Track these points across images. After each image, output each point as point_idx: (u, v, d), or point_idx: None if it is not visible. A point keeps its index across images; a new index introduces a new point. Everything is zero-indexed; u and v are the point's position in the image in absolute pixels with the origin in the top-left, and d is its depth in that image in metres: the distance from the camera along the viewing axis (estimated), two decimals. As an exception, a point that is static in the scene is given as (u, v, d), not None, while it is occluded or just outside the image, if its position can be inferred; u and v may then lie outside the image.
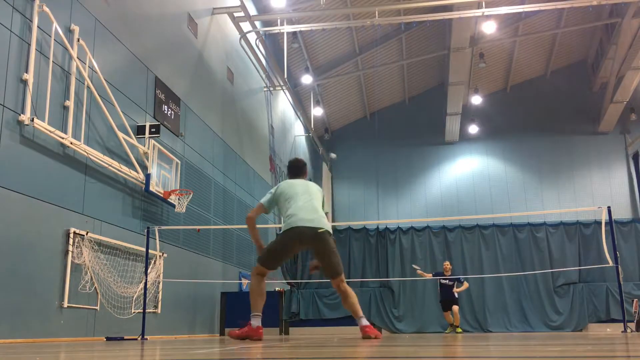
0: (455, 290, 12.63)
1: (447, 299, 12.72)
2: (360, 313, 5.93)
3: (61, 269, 8.38)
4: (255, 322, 5.56)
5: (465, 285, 12.80)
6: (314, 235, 5.63)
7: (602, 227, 9.58)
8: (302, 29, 19.29)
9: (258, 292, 5.71)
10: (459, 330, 12.60)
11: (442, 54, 23.83)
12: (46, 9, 8.20)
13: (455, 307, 12.57)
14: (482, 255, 14.00)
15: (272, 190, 6.14)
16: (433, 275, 13.05)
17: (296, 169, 6.27)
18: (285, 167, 22.04)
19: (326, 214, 5.99)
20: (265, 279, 5.86)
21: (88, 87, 9.16)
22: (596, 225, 13.28)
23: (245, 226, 16.48)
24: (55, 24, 8.40)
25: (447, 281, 12.73)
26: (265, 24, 18.83)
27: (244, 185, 16.83)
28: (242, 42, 17.41)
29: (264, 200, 6.14)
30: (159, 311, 11.13)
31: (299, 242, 5.74)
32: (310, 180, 6.88)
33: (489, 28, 19.83)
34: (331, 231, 5.83)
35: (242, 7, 15.80)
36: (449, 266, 12.89)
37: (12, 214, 7.51)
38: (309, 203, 5.80)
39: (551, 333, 11.87)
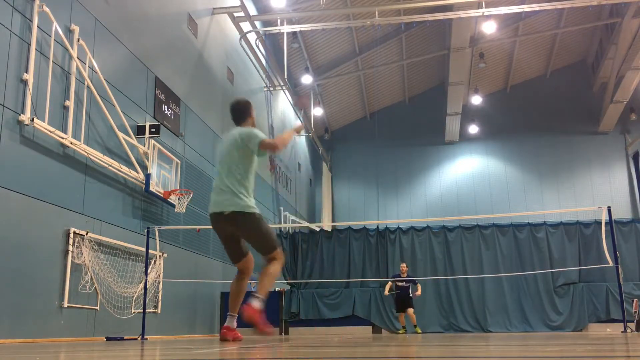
0: (416, 294, 12.61)
1: (402, 300, 12.68)
2: (259, 293, 4.79)
3: (61, 269, 8.38)
4: (229, 321, 5.04)
5: (419, 288, 12.69)
6: (224, 220, 4.90)
7: (602, 227, 9.59)
8: (302, 29, 19.29)
9: (231, 291, 5.16)
10: (419, 330, 12.60)
11: (442, 54, 23.84)
12: (46, 9, 8.20)
13: (410, 310, 12.60)
14: (482, 255, 13.99)
15: None
16: (392, 278, 13.09)
17: (232, 115, 5.35)
18: (285, 167, 22.05)
19: (261, 144, 4.93)
20: (243, 276, 5.19)
21: (88, 87, 9.16)
22: (596, 225, 13.27)
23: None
24: (55, 24, 8.40)
25: (403, 283, 12.75)
26: (265, 24, 18.83)
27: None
28: (242, 42, 17.41)
29: None
30: (159, 311, 11.13)
31: (221, 228, 5.00)
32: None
33: (489, 28, 19.83)
34: (247, 208, 4.89)
35: (242, 7, 15.80)
36: (405, 268, 12.95)
37: (12, 214, 7.51)
38: (220, 177, 4.98)
39: (551, 333, 11.87)
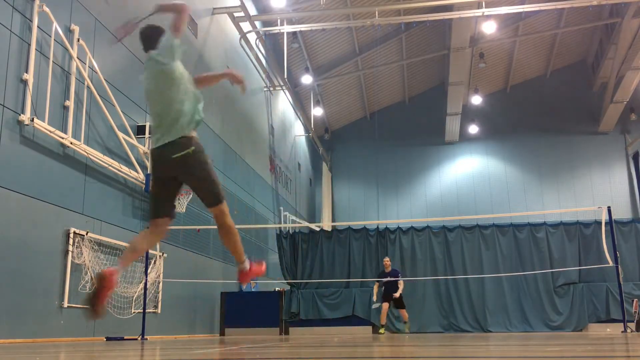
0: (394, 295, 11.96)
1: (390, 294, 11.98)
2: (243, 257, 4.22)
3: (61, 269, 8.38)
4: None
5: (401, 286, 12.03)
6: (168, 160, 4.12)
7: (602, 227, 9.59)
8: (302, 29, 19.29)
9: (130, 244, 4.13)
10: (407, 329, 12.22)
11: (442, 54, 23.83)
12: (46, 9, 8.20)
13: (403, 310, 12.06)
14: (482, 255, 13.99)
15: None
16: (378, 279, 12.37)
17: (142, 42, 4.69)
18: (285, 167, 22.05)
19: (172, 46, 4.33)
20: (153, 235, 4.17)
21: (88, 87, 9.16)
22: (596, 225, 13.26)
23: (246, 226, 16.41)
24: (55, 24, 8.40)
25: (388, 278, 12.11)
26: (265, 24, 18.82)
27: (244, 185, 16.83)
28: (242, 42, 17.40)
29: None
30: (159, 311, 11.13)
31: (163, 169, 4.17)
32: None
33: (489, 28, 19.83)
34: (191, 134, 4.27)
35: (242, 7, 15.80)
36: (388, 262, 12.30)
37: (12, 214, 7.51)
38: (155, 107, 4.27)
39: (551, 333, 11.88)
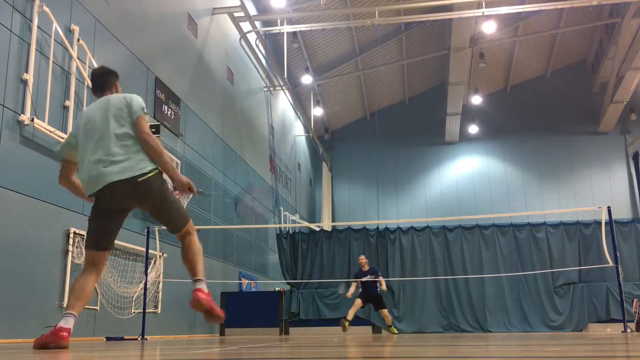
0: (382, 285, 11.39)
1: (369, 295, 11.46)
2: (199, 275, 4.15)
3: (61, 269, 8.38)
4: (67, 322, 3.86)
5: (383, 283, 11.47)
6: (130, 189, 3.97)
7: (602, 227, 9.59)
8: (302, 29, 19.30)
9: (73, 288, 4.04)
10: (394, 330, 11.78)
11: (442, 54, 23.84)
12: (46, 9, 8.20)
13: (384, 311, 11.58)
14: (482, 255, 13.99)
15: (72, 130, 4.40)
16: (356, 278, 11.74)
17: (94, 83, 4.40)
18: (285, 167, 22.05)
19: (137, 119, 4.07)
20: (94, 271, 4.10)
21: (88, 87, 9.16)
22: (596, 225, 13.26)
23: (244, 226, 16.44)
24: (55, 24, 8.40)
25: (368, 277, 11.52)
26: (265, 24, 18.83)
27: (244, 185, 16.84)
28: (242, 42, 17.41)
29: (58, 148, 4.37)
30: (159, 311, 11.13)
31: (117, 202, 4.04)
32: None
33: (489, 28, 19.83)
34: (151, 166, 4.02)
35: (242, 7, 15.80)
36: (364, 260, 11.78)
37: (12, 214, 7.51)
38: (96, 149, 4.04)
39: (551, 333, 11.87)
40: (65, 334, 3.78)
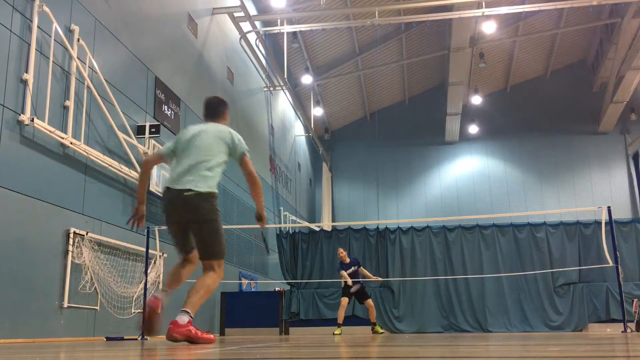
0: (369, 275, 11.27)
1: (357, 289, 11.19)
2: (187, 307, 4.67)
3: (61, 269, 8.38)
4: (157, 293, 4.66)
5: (366, 271, 11.37)
6: (181, 201, 4.48)
7: (602, 227, 9.58)
8: (302, 29, 19.30)
9: (171, 271, 4.81)
10: (379, 329, 11.40)
11: (442, 54, 23.84)
12: (46, 9, 8.20)
13: (369, 301, 11.21)
14: (482, 255, 13.98)
15: (178, 135, 5.01)
16: (344, 270, 11.22)
17: (207, 110, 5.06)
18: (285, 167, 22.06)
19: (243, 157, 4.86)
20: (189, 264, 4.76)
21: (88, 87, 9.16)
22: (596, 225, 13.26)
23: (246, 226, 16.44)
24: (55, 24, 8.40)
25: (351, 268, 11.21)
26: (265, 24, 18.83)
27: (244, 185, 16.81)
28: (242, 42, 17.41)
29: (164, 148, 5.03)
30: (159, 311, 11.11)
31: (173, 210, 4.58)
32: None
33: (489, 28, 19.82)
34: (209, 189, 4.58)
35: (242, 7, 15.80)
36: (344, 252, 11.49)
37: (12, 214, 7.51)
38: (190, 163, 4.62)
39: (551, 333, 11.87)
40: (157, 300, 4.62)
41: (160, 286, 4.49)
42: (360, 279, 11.34)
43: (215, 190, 4.64)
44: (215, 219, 4.57)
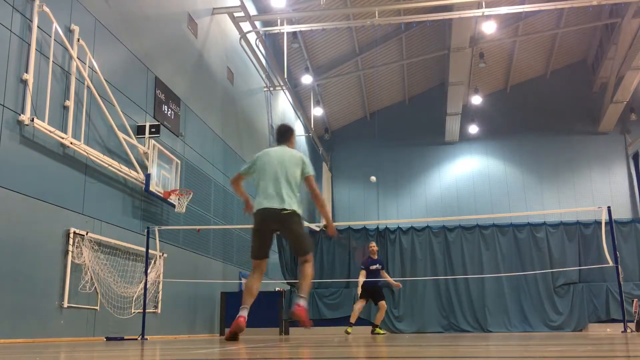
0: (391, 281, 11.21)
1: (371, 289, 11.08)
2: (302, 293, 5.61)
3: (61, 269, 8.38)
4: (241, 312, 5.41)
5: (387, 276, 11.36)
6: (277, 217, 5.62)
7: (602, 227, 9.58)
8: (302, 29, 19.29)
9: (246, 287, 5.65)
10: (381, 331, 11.45)
11: (442, 54, 23.83)
12: (46, 9, 8.20)
13: (383, 302, 11.14)
14: (482, 255, 13.98)
15: (253, 158, 6.06)
16: (365, 268, 11.20)
17: (278, 135, 6.19)
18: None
19: (307, 177, 5.86)
20: (258, 274, 5.73)
21: (88, 87, 9.16)
22: (596, 225, 13.26)
23: (245, 226, 16.46)
24: (55, 24, 8.40)
25: (376, 266, 11.18)
26: (265, 24, 18.83)
27: (244, 185, 16.81)
28: (242, 42, 17.41)
29: (242, 169, 6.15)
30: (159, 311, 11.13)
31: (267, 224, 5.71)
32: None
33: (489, 28, 19.82)
34: (299, 210, 5.69)
35: (242, 7, 15.80)
36: (375, 247, 11.47)
37: (12, 214, 7.51)
38: (276, 184, 5.69)
39: (551, 333, 11.87)
40: (242, 319, 5.32)
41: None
42: (379, 279, 11.30)
43: (300, 211, 5.77)
44: (302, 228, 5.82)
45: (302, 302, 5.47)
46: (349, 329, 11.05)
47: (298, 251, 5.84)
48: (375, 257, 11.48)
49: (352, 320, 11.16)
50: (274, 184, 5.68)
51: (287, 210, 5.58)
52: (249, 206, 5.96)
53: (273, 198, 5.63)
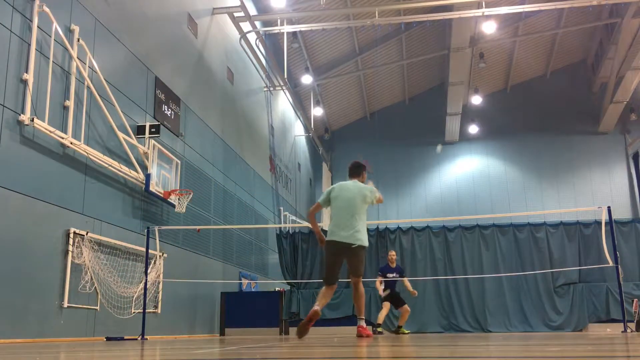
0: (412, 293, 11.47)
1: (389, 295, 11.50)
2: (361, 314, 6.57)
3: (61, 269, 8.38)
4: (315, 306, 6.46)
5: (406, 282, 11.60)
6: (347, 249, 6.52)
7: (602, 227, 9.58)
8: (302, 29, 19.29)
9: (321, 294, 6.70)
10: (406, 331, 11.80)
11: (442, 54, 23.84)
12: (46, 9, 8.20)
13: (406, 306, 11.55)
14: (482, 255, 13.97)
15: (328, 190, 7.02)
16: (382, 274, 11.66)
17: (350, 170, 7.06)
18: (285, 167, 22.06)
19: (377, 200, 6.88)
20: (331, 291, 6.76)
21: (88, 87, 9.16)
22: (596, 225, 13.25)
23: (244, 226, 16.51)
24: (55, 24, 8.40)
25: (394, 275, 11.57)
26: (265, 24, 18.82)
27: (244, 185, 16.83)
28: (242, 42, 17.41)
29: (320, 199, 7.07)
30: (159, 311, 11.13)
31: (338, 253, 6.60)
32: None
33: (489, 28, 19.82)
34: (365, 243, 6.62)
35: (242, 7, 15.80)
36: (394, 256, 11.76)
37: (12, 214, 7.51)
38: (347, 217, 6.58)
39: (551, 333, 11.87)
40: (317, 308, 6.48)
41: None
42: (396, 286, 11.60)
43: (366, 242, 6.73)
44: (364, 256, 6.75)
45: (363, 323, 6.65)
46: (380, 329, 11.55)
47: (354, 273, 6.69)
48: (394, 265, 11.74)
49: (380, 321, 11.60)
50: (345, 218, 6.58)
51: (356, 244, 6.50)
52: (323, 240, 6.80)
53: (345, 231, 6.52)
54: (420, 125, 26.94)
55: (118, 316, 9.55)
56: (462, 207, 25.24)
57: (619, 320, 10.44)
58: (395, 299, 11.63)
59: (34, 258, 7.84)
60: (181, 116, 12.77)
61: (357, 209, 6.64)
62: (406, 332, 11.90)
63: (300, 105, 23.45)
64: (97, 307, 9.12)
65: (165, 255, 11.33)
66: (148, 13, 11.70)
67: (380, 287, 11.59)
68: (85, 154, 8.94)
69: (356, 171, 7.02)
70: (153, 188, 10.73)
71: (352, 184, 6.85)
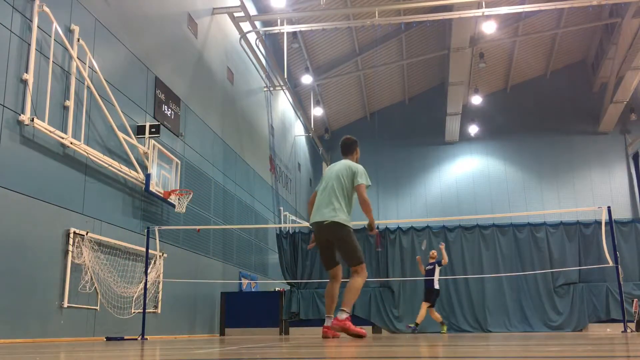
0: (444, 259, 12.23)
1: (429, 289, 12.29)
2: (343, 306, 5.77)
3: (61, 269, 8.38)
4: (327, 322, 5.88)
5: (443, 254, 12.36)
6: (325, 229, 5.92)
7: (602, 227, 9.58)
8: (302, 29, 19.30)
9: (326, 294, 6.11)
10: (444, 328, 12.53)
11: (442, 54, 23.84)
12: (46, 9, 8.20)
13: (423, 303, 12.33)
14: (482, 255, 13.98)
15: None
16: (425, 268, 12.57)
17: (341, 149, 6.49)
18: (285, 167, 22.06)
19: (357, 186, 6.01)
20: (334, 281, 6.09)
21: (88, 87, 9.16)
22: (596, 225, 13.26)
23: (244, 226, 16.50)
24: (55, 24, 8.41)
25: (430, 266, 12.39)
26: (265, 24, 18.83)
27: (244, 185, 16.83)
28: (242, 42, 17.41)
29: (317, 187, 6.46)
30: (159, 311, 11.13)
31: (319, 235, 6.03)
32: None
33: (489, 28, 19.82)
34: (341, 221, 5.87)
35: (242, 7, 15.80)
36: (435, 255, 12.57)
37: (12, 214, 7.51)
38: (326, 195, 6.01)
39: (551, 333, 11.87)
40: (325, 329, 5.84)
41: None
42: (435, 284, 12.27)
43: (348, 222, 5.96)
44: (349, 238, 5.91)
45: (341, 315, 5.61)
46: (445, 328, 12.44)
47: (347, 260, 5.99)
48: (433, 260, 12.47)
49: (419, 320, 12.22)
50: (324, 197, 6.03)
51: (328, 221, 5.85)
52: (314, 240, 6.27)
53: (321, 210, 5.97)
54: (420, 125, 26.94)
55: (118, 316, 9.55)
56: (462, 207, 25.25)
57: (619, 320, 10.44)
58: (426, 294, 12.39)
59: (34, 258, 7.84)
60: (181, 116, 12.77)
61: (338, 187, 6.00)
62: (444, 329, 12.58)
63: (300, 105, 23.45)
64: (97, 307, 9.13)
65: (165, 255, 11.33)
66: (148, 13, 11.70)
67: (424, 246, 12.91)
68: (85, 154, 8.94)
69: (348, 149, 6.41)
70: (153, 188, 10.74)
71: (341, 163, 6.28)
